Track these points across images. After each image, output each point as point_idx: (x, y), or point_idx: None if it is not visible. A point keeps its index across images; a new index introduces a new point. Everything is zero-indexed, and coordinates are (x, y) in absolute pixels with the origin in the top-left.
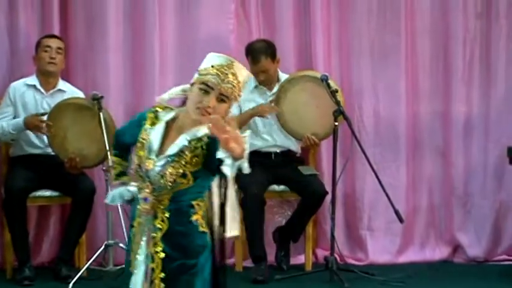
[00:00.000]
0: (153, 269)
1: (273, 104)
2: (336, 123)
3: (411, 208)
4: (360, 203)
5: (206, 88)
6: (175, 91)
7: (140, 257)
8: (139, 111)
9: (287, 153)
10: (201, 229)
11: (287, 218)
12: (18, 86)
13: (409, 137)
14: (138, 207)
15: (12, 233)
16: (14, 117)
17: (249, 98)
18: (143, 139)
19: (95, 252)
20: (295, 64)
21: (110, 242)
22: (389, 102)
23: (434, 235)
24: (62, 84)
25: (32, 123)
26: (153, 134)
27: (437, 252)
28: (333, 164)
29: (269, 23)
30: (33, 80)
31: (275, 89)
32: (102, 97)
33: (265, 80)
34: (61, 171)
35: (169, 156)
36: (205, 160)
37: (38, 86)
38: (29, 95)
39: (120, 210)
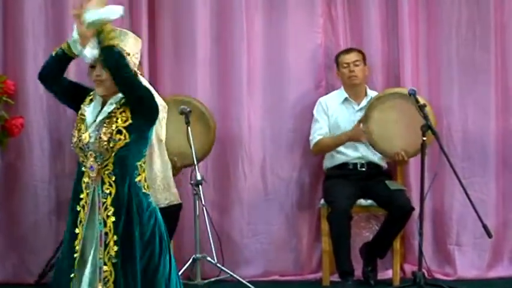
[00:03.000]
0: (106, 233)
1: (361, 125)
2: (424, 138)
3: (500, 223)
4: (448, 218)
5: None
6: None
7: (94, 224)
8: (228, 126)
9: (374, 166)
10: (144, 190)
11: (374, 232)
12: None
13: (499, 152)
14: (84, 180)
15: None
16: None
17: (337, 110)
18: (82, 115)
19: (183, 266)
20: (383, 80)
21: (198, 255)
22: (478, 116)
23: None
24: None
25: None
26: (89, 110)
27: None
28: (421, 178)
29: (357, 37)
30: None
31: (363, 103)
32: (190, 111)
33: (356, 78)
34: None
35: (100, 121)
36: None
37: None
38: None
39: (208, 225)
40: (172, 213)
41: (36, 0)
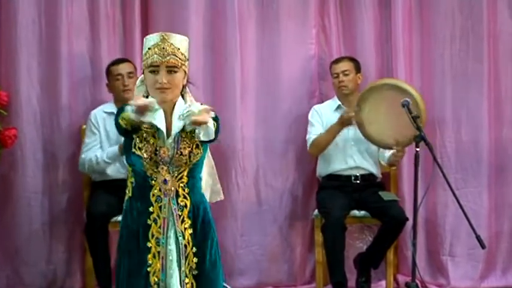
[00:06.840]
0: (185, 246)
1: (353, 113)
2: (417, 149)
3: (493, 234)
4: (442, 229)
5: (154, 69)
6: (139, 85)
7: (171, 237)
8: (221, 137)
9: (367, 177)
10: (204, 197)
11: (368, 243)
12: (98, 113)
13: (491, 162)
14: (153, 192)
15: (94, 258)
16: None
17: (330, 118)
18: (147, 128)
19: None
20: None
21: None
22: (471, 127)
23: None
24: None
25: None
26: (157, 122)
27: None
28: (415, 189)
29: (350, 47)
30: (111, 107)
31: None
32: None
33: (346, 88)
34: None
35: (177, 135)
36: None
37: None
38: (110, 122)
39: None
40: None
41: (29, 11)
